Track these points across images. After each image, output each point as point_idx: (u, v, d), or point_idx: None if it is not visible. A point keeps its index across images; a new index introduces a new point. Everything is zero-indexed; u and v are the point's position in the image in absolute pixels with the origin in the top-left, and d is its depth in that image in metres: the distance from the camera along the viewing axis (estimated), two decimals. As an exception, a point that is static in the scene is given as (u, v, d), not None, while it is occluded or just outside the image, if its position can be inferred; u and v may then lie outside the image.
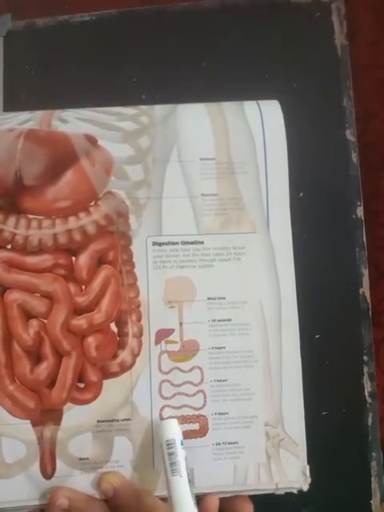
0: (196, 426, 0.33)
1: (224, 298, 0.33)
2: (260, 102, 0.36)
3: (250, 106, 0.35)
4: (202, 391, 0.33)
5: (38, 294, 0.32)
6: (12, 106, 0.41)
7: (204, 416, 0.33)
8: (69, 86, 0.41)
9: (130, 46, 0.43)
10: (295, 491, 0.33)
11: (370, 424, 0.40)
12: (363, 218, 0.41)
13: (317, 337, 0.39)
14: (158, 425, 0.32)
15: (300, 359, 0.34)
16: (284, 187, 0.35)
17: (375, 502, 0.39)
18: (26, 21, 0.44)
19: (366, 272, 0.41)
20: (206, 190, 0.34)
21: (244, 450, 0.33)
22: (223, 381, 0.33)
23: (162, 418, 0.33)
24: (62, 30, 0.43)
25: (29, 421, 0.32)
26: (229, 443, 0.33)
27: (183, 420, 0.33)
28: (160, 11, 0.43)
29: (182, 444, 0.31)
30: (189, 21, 0.43)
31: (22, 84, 0.43)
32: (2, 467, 0.32)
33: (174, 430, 0.31)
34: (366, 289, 0.40)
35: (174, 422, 0.32)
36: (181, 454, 0.31)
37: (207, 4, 0.43)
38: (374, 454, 0.40)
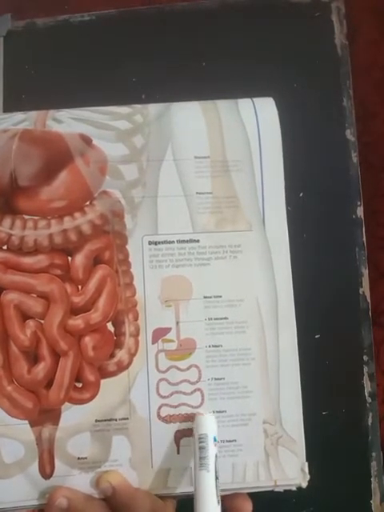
0: (194, 425, 0.33)
1: (220, 297, 0.33)
2: (254, 99, 0.36)
3: (244, 104, 0.35)
4: (199, 389, 0.33)
5: (35, 295, 0.32)
6: (12, 106, 0.41)
7: (201, 414, 0.33)
8: (69, 86, 0.41)
9: (129, 46, 0.43)
10: (294, 488, 0.33)
11: (369, 424, 0.40)
12: (363, 218, 0.41)
13: (317, 337, 0.39)
14: (195, 419, 0.32)
15: (297, 356, 0.34)
16: (279, 184, 0.35)
17: (375, 501, 0.39)
18: (26, 21, 0.44)
19: (365, 272, 0.40)
20: (201, 189, 0.34)
21: (242, 448, 0.33)
22: (221, 379, 0.33)
23: (159, 417, 0.33)
24: (62, 29, 0.43)
25: (27, 421, 0.32)
26: (227, 441, 0.33)
27: (181, 418, 0.33)
28: (160, 11, 0.43)
29: (215, 440, 0.31)
30: (189, 21, 0.43)
31: (22, 84, 0.43)
32: (0, 468, 0.32)
33: (208, 426, 0.31)
34: (365, 289, 0.40)
35: (211, 417, 0.32)
36: (212, 449, 0.31)
37: (207, 4, 0.43)
38: (373, 453, 0.40)
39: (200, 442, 0.31)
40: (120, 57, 0.42)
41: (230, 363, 0.33)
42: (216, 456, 0.31)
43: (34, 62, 0.43)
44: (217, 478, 0.30)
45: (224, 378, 0.33)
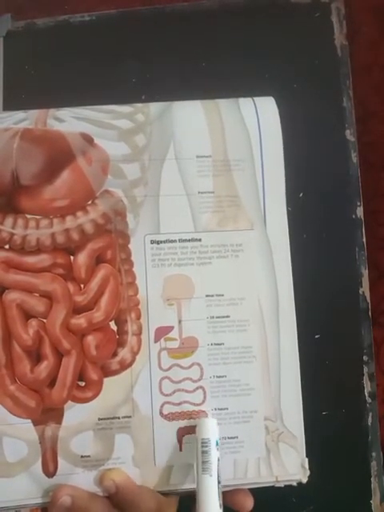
0: (196, 422, 0.33)
1: (222, 295, 0.34)
2: (255, 98, 0.36)
3: (245, 103, 0.36)
4: (201, 387, 0.33)
5: (37, 294, 0.32)
6: (12, 106, 0.41)
7: (204, 412, 0.33)
8: (69, 86, 0.41)
9: (129, 46, 0.42)
10: (295, 484, 0.34)
11: (369, 424, 0.40)
12: (363, 218, 0.41)
13: (317, 337, 0.40)
14: (197, 423, 0.32)
15: (298, 354, 0.34)
16: (280, 183, 0.35)
17: (375, 501, 0.40)
18: (26, 21, 0.43)
19: (365, 272, 0.41)
20: (202, 188, 0.34)
21: (244, 445, 0.33)
22: (222, 377, 0.33)
23: (162, 415, 0.33)
24: (62, 29, 0.43)
25: (30, 420, 0.32)
26: (229, 438, 0.33)
27: (183, 416, 0.33)
28: (160, 11, 0.43)
29: (217, 444, 0.31)
30: (188, 21, 0.43)
31: (22, 84, 0.42)
32: (4, 467, 0.32)
33: (210, 430, 0.32)
34: (365, 289, 0.41)
35: (213, 421, 0.32)
36: (214, 454, 0.31)
37: (207, 4, 0.43)
38: (374, 453, 0.40)
39: (203, 447, 0.31)
40: (120, 57, 0.42)
41: (231, 361, 0.34)
42: (218, 459, 0.31)
43: (34, 61, 0.42)
44: (219, 482, 0.31)
45: (226, 376, 0.33)
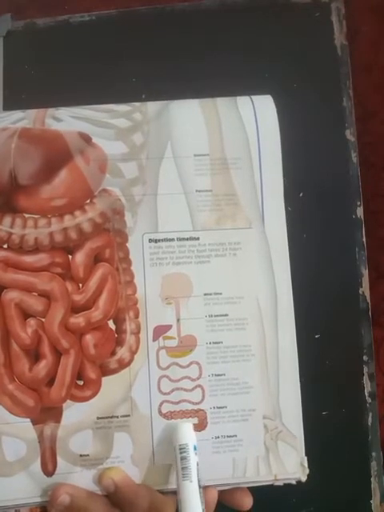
0: (195, 421, 0.33)
1: (220, 294, 0.34)
2: (253, 96, 0.36)
3: (243, 101, 0.36)
4: (200, 386, 0.33)
5: (36, 293, 0.32)
6: (12, 106, 0.41)
7: (203, 410, 0.33)
8: (69, 86, 0.41)
9: (129, 46, 0.42)
10: (294, 482, 0.34)
11: (369, 424, 0.40)
12: (363, 218, 0.41)
13: (317, 337, 0.39)
14: (173, 428, 0.32)
15: (296, 352, 0.34)
16: (278, 181, 0.35)
17: (375, 501, 0.40)
18: (26, 21, 0.43)
19: (365, 272, 0.41)
20: (200, 186, 0.34)
21: (243, 443, 0.33)
22: (221, 375, 0.33)
23: (161, 414, 0.33)
24: (62, 29, 0.43)
25: (29, 419, 0.32)
26: (228, 436, 0.33)
27: (182, 415, 0.33)
28: (160, 11, 0.43)
29: (195, 449, 0.31)
30: (188, 21, 0.43)
31: (22, 84, 0.42)
32: (3, 466, 0.32)
33: (187, 435, 0.31)
34: (365, 289, 0.41)
35: (189, 426, 0.32)
36: (193, 459, 0.31)
37: (207, 4, 0.43)
38: (373, 453, 0.40)
39: (181, 452, 0.31)
40: (120, 57, 0.42)
41: (230, 360, 0.34)
42: (197, 464, 0.31)
43: (34, 62, 0.42)
44: (200, 486, 0.31)
45: (224, 375, 0.33)
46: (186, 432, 0.32)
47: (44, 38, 0.43)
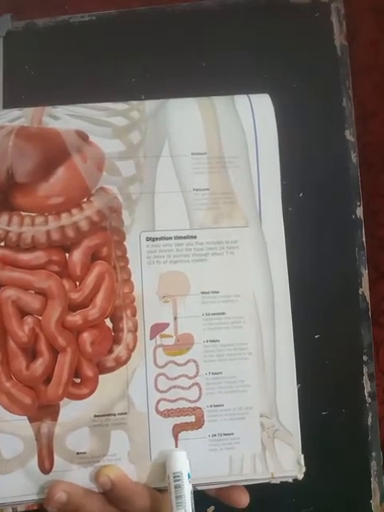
0: (192, 419, 0.33)
1: (218, 292, 0.34)
2: (251, 95, 0.36)
3: (240, 100, 0.36)
4: (197, 384, 0.33)
5: (33, 291, 0.32)
6: (12, 105, 0.41)
7: (200, 408, 0.33)
8: (68, 86, 0.41)
9: (129, 46, 0.43)
10: (290, 480, 0.34)
11: (369, 424, 0.40)
12: (363, 218, 0.41)
13: (316, 337, 0.40)
14: (167, 455, 0.32)
15: (293, 351, 0.34)
16: (275, 180, 0.35)
17: (375, 501, 0.40)
18: (26, 21, 0.43)
19: (365, 272, 0.41)
20: (197, 185, 0.34)
21: (239, 441, 0.33)
22: (218, 373, 0.34)
23: (158, 411, 0.33)
24: (62, 30, 0.43)
25: (26, 417, 0.32)
26: (224, 434, 0.33)
27: (179, 413, 0.33)
28: (160, 11, 0.43)
29: (189, 477, 0.31)
30: (188, 21, 0.43)
31: (22, 84, 0.42)
32: (0, 463, 0.32)
33: (181, 463, 0.31)
34: (365, 289, 0.41)
35: (183, 454, 0.32)
36: (187, 487, 0.31)
37: (207, 4, 0.43)
38: (373, 453, 0.40)
39: (175, 481, 0.31)
40: (119, 57, 0.42)
41: (227, 358, 0.34)
42: (191, 492, 0.31)
43: (34, 62, 0.42)
44: None
45: (221, 373, 0.34)
46: (180, 460, 0.32)
47: (44, 38, 0.43)
